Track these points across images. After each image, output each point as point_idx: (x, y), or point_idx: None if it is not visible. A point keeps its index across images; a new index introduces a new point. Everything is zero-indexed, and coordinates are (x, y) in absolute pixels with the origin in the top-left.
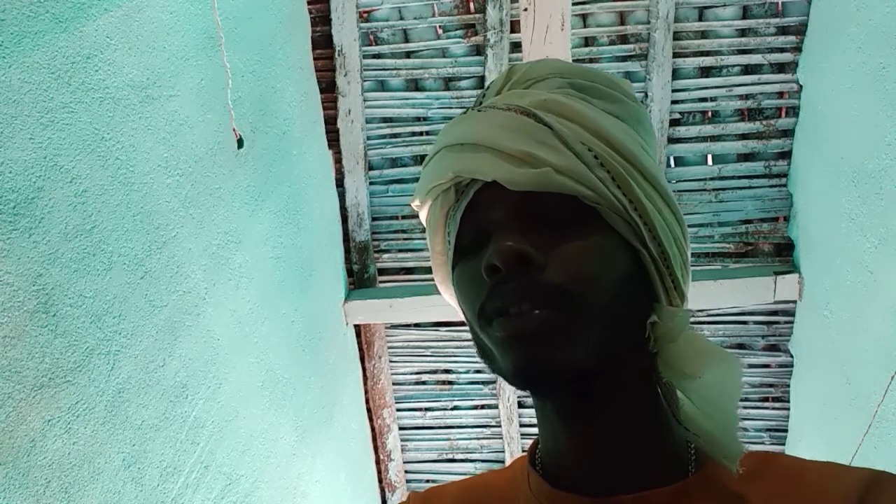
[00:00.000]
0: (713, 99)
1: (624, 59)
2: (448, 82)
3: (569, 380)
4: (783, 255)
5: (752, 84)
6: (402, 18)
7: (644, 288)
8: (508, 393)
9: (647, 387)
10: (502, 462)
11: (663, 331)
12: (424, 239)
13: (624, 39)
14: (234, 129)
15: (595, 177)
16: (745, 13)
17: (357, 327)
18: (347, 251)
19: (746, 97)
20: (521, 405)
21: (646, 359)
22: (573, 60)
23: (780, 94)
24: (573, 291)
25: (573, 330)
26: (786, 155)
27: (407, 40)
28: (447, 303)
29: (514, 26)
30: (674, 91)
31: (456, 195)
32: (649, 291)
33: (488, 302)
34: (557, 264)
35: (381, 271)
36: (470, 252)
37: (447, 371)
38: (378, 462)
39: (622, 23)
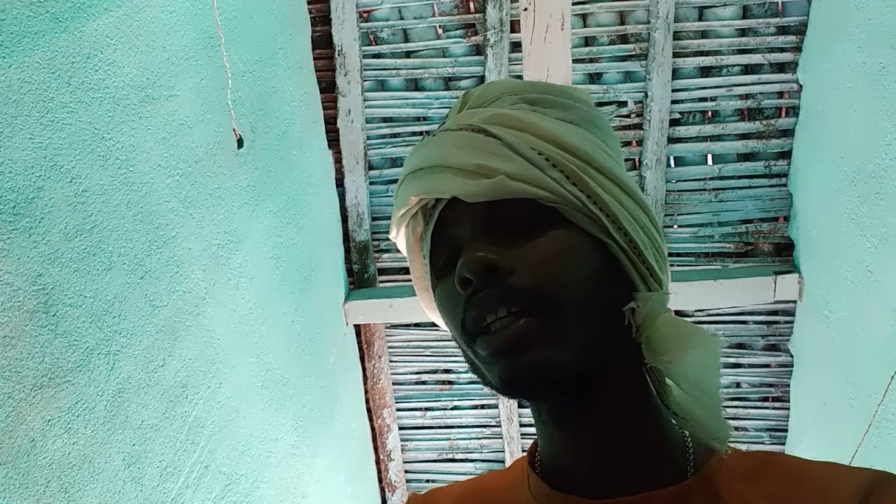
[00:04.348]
0: (713, 99)
1: (624, 58)
2: (448, 82)
3: (556, 383)
4: (783, 255)
5: (752, 84)
6: (402, 18)
7: (620, 280)
8: None
9: (637, 381)
10: (502, 462)
11: (643, 317)
12: None
13: (624, 39)
14: (234, 129)
15: (549, 178)
16: (745, 13)
17: (357, 327)
18: (347, 251)
19: (746, 97)
20: (520, 405)
21: (633, 352)
22: (573, 60)
23: (780, 94)
24: (544, 290)
25: (552, 332)
26: (786, 155)
27: (407, 40)
28: None
29: (514, 26)
30: (674, 91)
31: (424, 219)
32: (628, 284)
33: (466, 315)
34: (524, 266)
35: (381, 271)
36: (446, 271)
37: (447, 371)
38: (378, 462)
39: (622, 23)
